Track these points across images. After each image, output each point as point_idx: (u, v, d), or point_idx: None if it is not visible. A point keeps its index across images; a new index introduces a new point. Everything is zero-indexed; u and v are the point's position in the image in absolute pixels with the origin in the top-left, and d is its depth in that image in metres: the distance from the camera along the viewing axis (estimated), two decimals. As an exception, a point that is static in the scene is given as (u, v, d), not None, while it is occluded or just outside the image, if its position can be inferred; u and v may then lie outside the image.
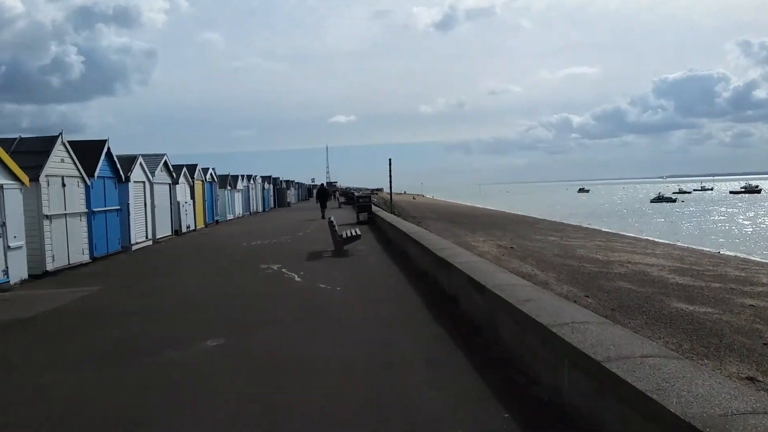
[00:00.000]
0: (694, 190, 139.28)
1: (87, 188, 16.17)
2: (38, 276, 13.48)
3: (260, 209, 46.16)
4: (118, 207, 18.44)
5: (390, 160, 31.22)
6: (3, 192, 12.36)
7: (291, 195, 64.13)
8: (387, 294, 9.86)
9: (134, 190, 19.96)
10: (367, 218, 28.19)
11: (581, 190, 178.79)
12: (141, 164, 20.66)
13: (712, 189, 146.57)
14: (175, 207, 24.68)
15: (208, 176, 30.75)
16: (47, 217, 14.01)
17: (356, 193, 47.47)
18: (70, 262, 14.94)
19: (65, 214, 14.89)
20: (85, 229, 15.97)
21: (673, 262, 19.47)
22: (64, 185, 14.93)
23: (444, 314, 7.89)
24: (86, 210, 16.05)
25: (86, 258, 15.84)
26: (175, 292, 11.07)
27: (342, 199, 58.57)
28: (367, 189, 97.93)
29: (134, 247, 19.39)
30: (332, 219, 17.33)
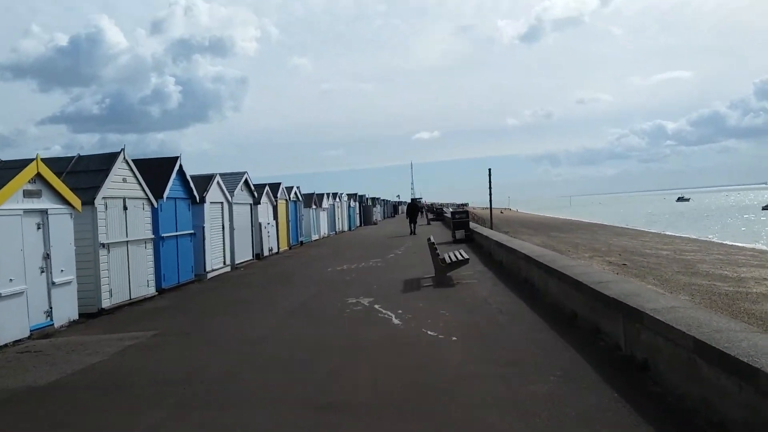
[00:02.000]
0: None
1: (154, 211, 14.23)
2: (92, 315, 11.47)
3: (346, 228, 44.14)
4: (192, 231, 16.50)
5: (489, 170, 28.16)
6: (48, 218, 10.42)
7: (377, 212, 62.00)
8: (528, 350, 6.88)
9: (210, 212, 18.06)
10: (465, 236, 25.25)
11: (680, 199, 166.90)
12: (218, 183, 18.79)
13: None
14: (256, 229, 22.76)
15: (292, 195, 28.83)
16: (104, 245, 12.02)
17: (448, 209, 44.53)
18: (132, 297, 12.89)
19: (126, 242, 12.91)
20: (151, 257, 13.94)
21: (814, 278, 16.55)
22: (125, 208, 12.98)
23: (640, 397, 4.90)
24: (152, 236, 14.07)
25: (151, 291, 13.80)
26: (241, 341, 8.56)
27: (430, 216, 55.75)
28: (453, 204, 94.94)
29: (210, 275, 17.38)
30: (432, 239, 14.58)
